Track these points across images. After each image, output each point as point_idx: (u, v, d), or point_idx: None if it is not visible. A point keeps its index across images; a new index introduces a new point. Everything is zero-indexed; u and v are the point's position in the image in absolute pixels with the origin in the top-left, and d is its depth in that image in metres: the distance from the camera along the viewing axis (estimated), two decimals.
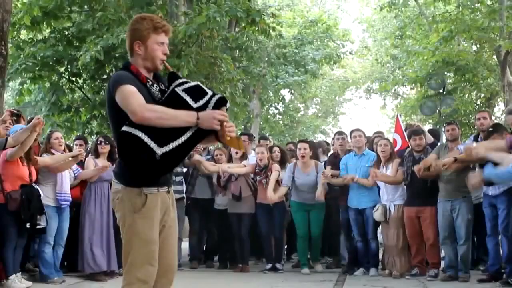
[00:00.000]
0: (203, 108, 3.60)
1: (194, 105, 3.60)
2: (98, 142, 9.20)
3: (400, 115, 12.93)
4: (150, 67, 3.81)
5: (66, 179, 8.55)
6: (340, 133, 10.60)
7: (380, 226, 9.46)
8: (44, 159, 8.37)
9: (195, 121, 3.53)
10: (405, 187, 9.16)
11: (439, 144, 9.68)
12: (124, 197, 3.69)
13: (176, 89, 3.68)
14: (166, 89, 3.78)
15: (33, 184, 7.92)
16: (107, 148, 9.11)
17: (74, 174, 8.90)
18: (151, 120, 3.49)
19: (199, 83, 3.77)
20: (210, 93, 3.69)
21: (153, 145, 3.47)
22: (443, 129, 9.85)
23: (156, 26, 3.77)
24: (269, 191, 9.52)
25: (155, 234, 3.69)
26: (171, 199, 3.87)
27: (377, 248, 9.60)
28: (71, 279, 8.66)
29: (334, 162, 10.03)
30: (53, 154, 8.55)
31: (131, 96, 3.54)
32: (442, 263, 9.06)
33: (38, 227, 7.81)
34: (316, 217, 9.79)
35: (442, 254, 9.16)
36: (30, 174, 7.93)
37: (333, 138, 10.71)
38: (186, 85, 3.70)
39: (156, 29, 3.76)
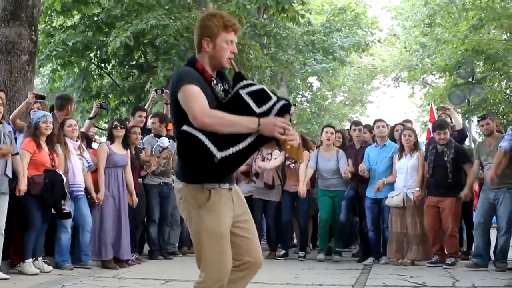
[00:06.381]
0: (266, 114, 3.51)
1: (257, 110, 3.51)
2: (113, 126, 8.94)
3: (429, 104, 12.73)
4: (216, 65, 3.75)
5: (78, 169, 8.27)
6: (356, 123, 10.53)
7: (390, 214, 9.40)
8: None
9: (256, 128, 3.45)
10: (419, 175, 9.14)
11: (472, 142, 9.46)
12: (188, 194, 3.63)
13: (240, 91, 3.59)
14: (230, 89, 3.72)
15: (56, 170, 7.88)
16: (122, 132, 8.86)
17: (88, 164, 8.55)
18: (211, 126, 3.41)
19: (264, 87, 3.67)
20: (274, 98, 3.58)
21: (212, 148, 3.40)
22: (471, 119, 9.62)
23: (226, 24, 3.69)
24: (301, 186, 9.69)
25: (224, 228, 3.60)
26: (235, 196, 3.77)
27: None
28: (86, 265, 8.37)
29: (350, 153, 10.01)
30: (66, 142, 8.29)
31: (194, 99, 3.47)
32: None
33: (64, 212, 7.77)
34: (341, 203, 9.81)
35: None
36: (53, 160, 7.91)
37: (350, 129, 10.60)
38: (250, 88, 3.60)
39: (226, 27, 3.69)
